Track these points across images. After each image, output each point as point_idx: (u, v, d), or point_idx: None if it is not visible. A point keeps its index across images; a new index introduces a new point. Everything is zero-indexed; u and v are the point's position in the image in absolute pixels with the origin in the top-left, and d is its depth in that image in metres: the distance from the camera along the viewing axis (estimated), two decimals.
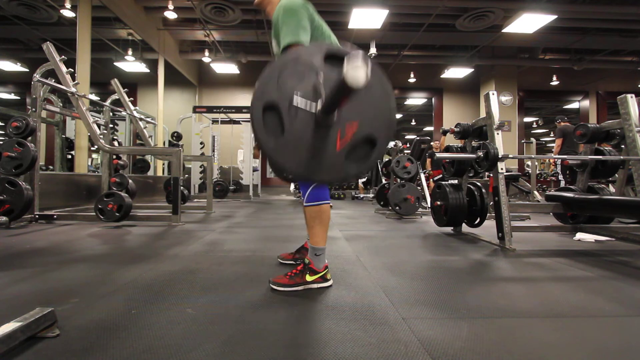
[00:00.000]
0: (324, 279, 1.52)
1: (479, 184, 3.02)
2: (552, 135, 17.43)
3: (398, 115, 14.68)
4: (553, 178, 8.68)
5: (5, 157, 3.14)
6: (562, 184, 6.02)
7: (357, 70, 0.75)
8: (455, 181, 3.25)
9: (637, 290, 1.55)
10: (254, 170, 7.95)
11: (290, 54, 1.03)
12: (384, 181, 6.09)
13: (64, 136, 5.88)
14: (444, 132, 4.49)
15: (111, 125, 5.02)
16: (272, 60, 1.05)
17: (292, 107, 0.94)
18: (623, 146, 2.83)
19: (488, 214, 2.88)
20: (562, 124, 5.85)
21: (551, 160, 9.97)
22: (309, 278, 1.49)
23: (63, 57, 3.49)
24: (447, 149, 3.30)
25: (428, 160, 6.41)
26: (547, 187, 8.66)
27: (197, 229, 3.21)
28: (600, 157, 2.80)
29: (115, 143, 5.82)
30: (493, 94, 2.70)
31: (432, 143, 6.78)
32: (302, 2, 1.49)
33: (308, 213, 1.53)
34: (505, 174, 2.55)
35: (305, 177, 1.05)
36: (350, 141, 0.99)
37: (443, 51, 9.18)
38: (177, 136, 7.82)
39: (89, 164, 8.27)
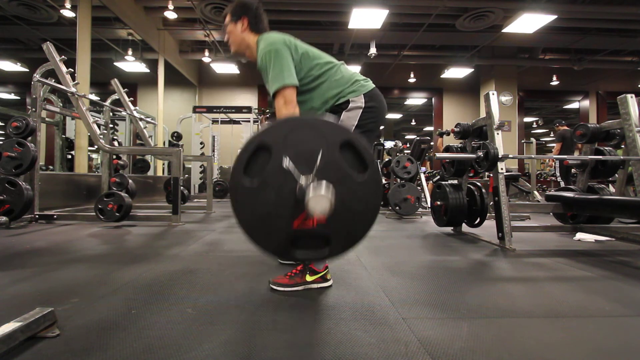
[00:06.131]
0: (324, 279, 1.52)
1: (479, 184, 3.02)
2: (552, 135, 17.44)
3: (398, 115, 14.70)
4: (553, 178, 8.67)
5: (5, 157, 3.13)
6: (562, 184, 6.05)
7: (318, 201, 0.70)
8: (455, 181, 3.25)
9: (637, 290, 1.55)
10: None
11: (310, 119, 0.97)
12: (383, 181, 6.09)
13: (64, 136, 5.87)
14: (441, 134, 4.49)
15: (111, 125, 5.01)
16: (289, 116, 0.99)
17: (283, 164, 0.86)
18: (623, 146, 2.83)
19: (488, 214, 2.88)
20: (561, 128, 5.88)
21: (549, 161, 9.99)
22: (309, 278, 1.49)
23: (63, 57, 3.48)
24: (447, 149, 3.30)
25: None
26: (547, 187, 8.65)
27: (197, 229, 3.21)
28: (600, 157, 2.80)
29: (115, 143, 5.80)
30: (493, 94, 2.70)
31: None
32: (281, 37, 1.46)
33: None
34: (505, 174, 2.55)
35: (246, 231, 0.94)
36: (309, 228, 0.92)
37: (443, 51, 9.17)
38: (177, 136, 7.81)
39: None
